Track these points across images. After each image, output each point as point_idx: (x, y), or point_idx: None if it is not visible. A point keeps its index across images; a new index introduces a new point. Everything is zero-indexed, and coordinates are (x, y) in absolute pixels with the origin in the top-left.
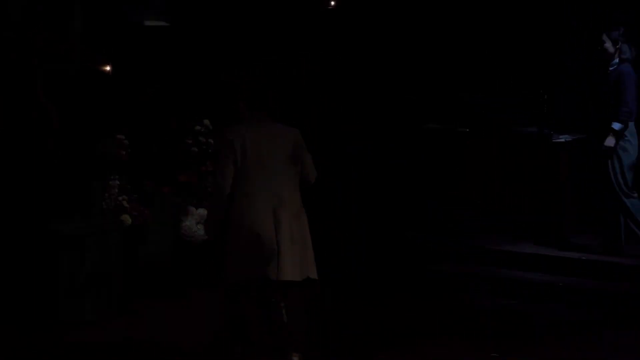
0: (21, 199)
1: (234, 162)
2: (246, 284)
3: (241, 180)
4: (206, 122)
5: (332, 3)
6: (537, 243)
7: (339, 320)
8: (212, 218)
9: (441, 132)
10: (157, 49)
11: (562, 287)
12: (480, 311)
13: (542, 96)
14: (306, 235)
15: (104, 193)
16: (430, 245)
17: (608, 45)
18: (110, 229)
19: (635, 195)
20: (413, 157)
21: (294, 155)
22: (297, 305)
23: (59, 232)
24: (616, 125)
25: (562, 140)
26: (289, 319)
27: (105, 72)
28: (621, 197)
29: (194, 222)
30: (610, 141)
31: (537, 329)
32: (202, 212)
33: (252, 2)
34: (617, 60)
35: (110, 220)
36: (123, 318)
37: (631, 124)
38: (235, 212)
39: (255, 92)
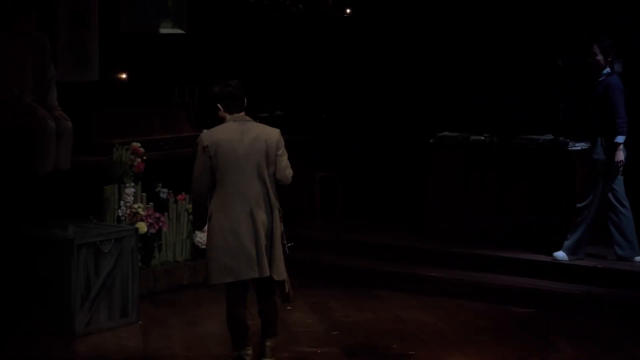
0: (33, 204)
1: (210, 168)
2: (229, 284)
3: (218, 183)
4: None
5: (348, 11)
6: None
7: None
8: (196, 217)
9: (454, 141)
10: (169, 53)
11: (580, 296)
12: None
13: (558, 104)
14: (278, 233)
15: (120, 200)
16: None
17: (600, 57)
18: (126, 236)
19: (627, 205)
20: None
21: (270, 156)
22: (270, 297)
23: (73, 239)
24: (620, 139)
25: (579, 148)
26: (265, 310)
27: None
28: (608, 207)
29: None
30: (619, 155)
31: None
32: None
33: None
34: (607, 71)
35: (125, 228)
36: (139, 326)
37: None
38: (213, 215)
39: (231, 95)
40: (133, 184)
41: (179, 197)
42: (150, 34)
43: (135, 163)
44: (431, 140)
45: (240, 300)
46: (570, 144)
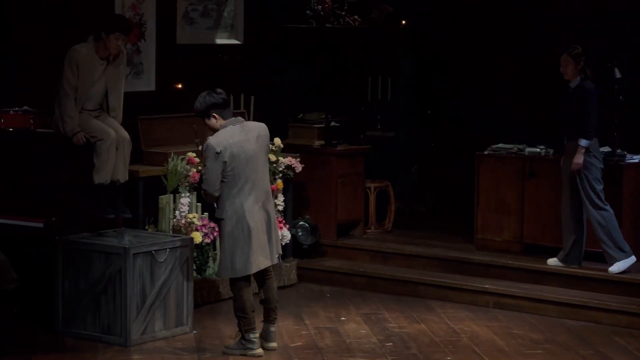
0: (90, 213)
1: (222, 171)
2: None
3: (232, 183)
4: (277, 140)
5: (404, 22)
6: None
7: None
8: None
9: (509, 152)
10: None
11: (634, 309)
12: None
13: (614, 116)
14: (276, 217)
15: (175, 210)
16: None
17: (571, 66)
18: (181, 246)
19: (608, 207)
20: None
21: (267, 148)
22: (273, 282)
23: (129, 248)
24: (584, 142)
25: (637, 160)
26: (269, 298)
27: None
28: (592, 210)
29: None
30: (579, 158)
31: None
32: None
33: None
34: (579, 78)
35: (180, 237)
36: (193, 335)
37: (595, 139)
38: (230, 212)
39: (224, 102)
40: (188, 194)
41: None
42: (207, 44)
43: (190, 173)
44: (485, 152)
45: (250, 287)
46: (627, 156)
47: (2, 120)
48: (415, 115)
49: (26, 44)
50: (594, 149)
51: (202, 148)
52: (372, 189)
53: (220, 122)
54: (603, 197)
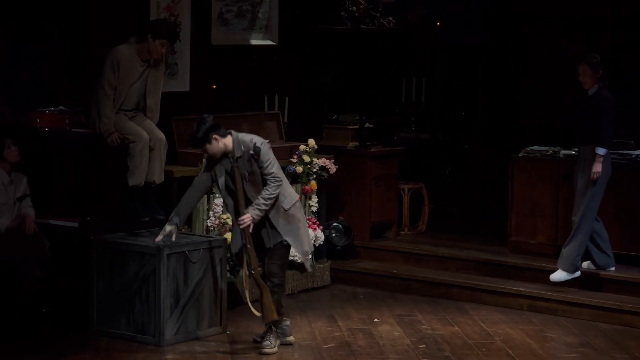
0: (124, 214)
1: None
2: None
3: (285, 181)
4: (311, 141)
5: (438, 24)
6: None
7: None
8: None
9: (544, 155)
10: (260, 64)
11: None
12: None
13: None
14: None
15: (208, 211)
16: None
17: (589, 74)
18: (215, 246)
19: (599, 221)
20: None
21: None
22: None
23: (162, 249)
24: (601, 151)
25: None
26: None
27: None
28: (589, 218)
29: None
30: (597, 167)
31: None
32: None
33: None
34: (596, 86)
35: (214, 238)
36: (227, 335)
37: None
38: (294, 198)
39: (217, 123)
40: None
41: None
42: (241, 45)
43: None
44: (520, 154)
45: None
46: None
47: (38, 120)
48: (449, 117)
49: (61, 43)
50: (608, 156)
51: (254, 152)
52: (406, 191)
53: (222, 140)
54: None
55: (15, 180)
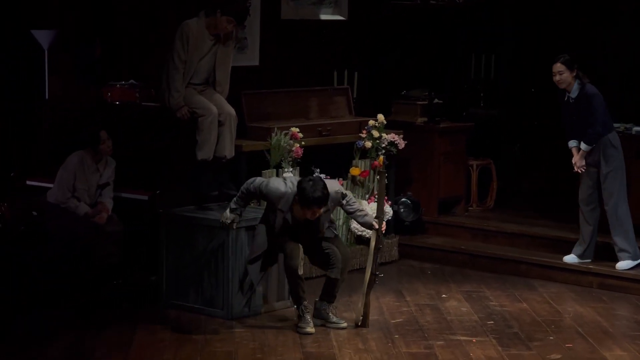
0: (192, 189)
1: None
2: None
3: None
4: (380, 116)
5: None
6: None
7: None
8: None
9: None
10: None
11: None
12: None
13: None
14: None
15: None
16: None
17: (566, 74)
18: None
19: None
20: None
21: None
22: None
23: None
24: (584, 147)
25: None
26: None
27: None
28: (622, 204)
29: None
30: (582, 161)
31: None
32: (374, 206)
33: None
34: (576, 84)
35: None
36: (295, 309)
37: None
38: None
39: None
40: (291, 169)
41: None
42: (311, 20)
43: (293, 148)
44: None
45: None
46: None
47: (109, 94)
48: (518, 93)
49: (131, 18)
50: (615, 139)
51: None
52: (475, 167)
53: None
54: None
55: (101, 168)
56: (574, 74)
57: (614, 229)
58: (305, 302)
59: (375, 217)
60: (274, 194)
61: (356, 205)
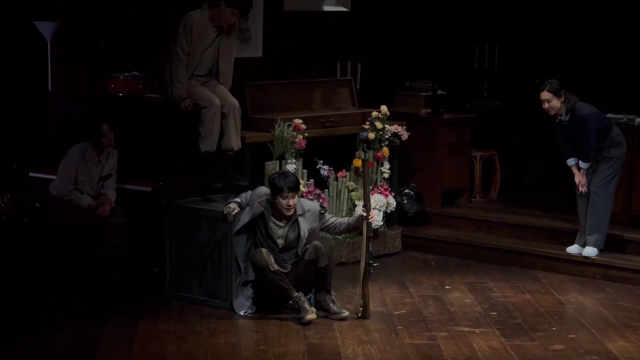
0: (197, 180)
1: None
2: None
3: None
4: (383, 107)
5: None
6: None
7: None
8: None
9: (619, 123)
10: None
11: None
12: None
13: None
14: None
15: None
16: None
17: (554, 101)
18: None
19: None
20: None
21: None
22: None
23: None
24: (584, 165)
25: None
26: None
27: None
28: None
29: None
30: (584, 179)
31: None
32: (378, 197)
33: None
34: (566, 108)
35: None
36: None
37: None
38: None
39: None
40: (294, 161)
41: (340, 174)
42: (314, 11)
43: (296, 140)
44: None
45: None
46: None
47: (112, 86)
48: (522, 84)
49: (135, 10)
50: (618, 135)
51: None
52: (478, 158)
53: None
54: None
55: (103, 159)
56: (562, 99)
57: (591, 215)
58: (296, 293)
59: (363, 207)
60: (258, 191)
61: (336, 218)
